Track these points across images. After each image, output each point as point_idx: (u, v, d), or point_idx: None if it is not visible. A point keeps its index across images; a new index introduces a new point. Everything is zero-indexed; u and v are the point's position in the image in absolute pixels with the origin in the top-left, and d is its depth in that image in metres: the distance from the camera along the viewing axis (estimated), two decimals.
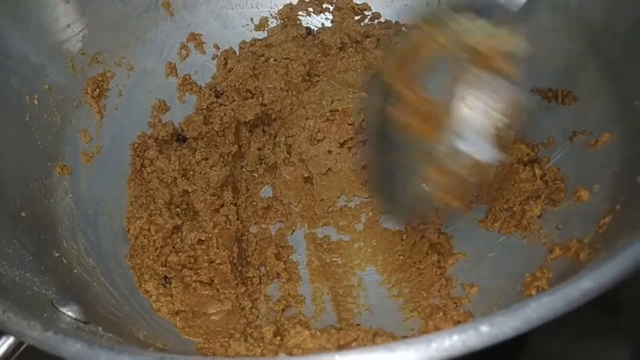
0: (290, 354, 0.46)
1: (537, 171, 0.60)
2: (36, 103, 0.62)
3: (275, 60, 0.72)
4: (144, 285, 0.57)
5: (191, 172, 0.65)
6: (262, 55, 0.73)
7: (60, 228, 0.58)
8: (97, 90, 0.69)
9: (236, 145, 0.69)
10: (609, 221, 0.49)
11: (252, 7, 0.77)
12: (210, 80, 0.74)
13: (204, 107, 0.71)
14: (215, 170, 0.64)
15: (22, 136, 0.60)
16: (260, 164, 0.71)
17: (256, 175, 0.70)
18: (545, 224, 0.56)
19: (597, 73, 0.60)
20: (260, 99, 0.70)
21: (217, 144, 0.69)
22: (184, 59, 0.75)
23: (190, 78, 0.74)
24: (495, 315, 0.32)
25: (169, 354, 0.33)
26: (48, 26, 0.65)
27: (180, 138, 0.71)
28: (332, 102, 0.69)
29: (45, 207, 0.59)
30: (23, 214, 0.55)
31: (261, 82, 0.70)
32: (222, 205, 0.63)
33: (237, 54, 0.75)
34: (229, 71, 0.73)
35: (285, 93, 0.70)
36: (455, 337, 0.31)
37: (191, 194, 0.63)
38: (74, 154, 0.65)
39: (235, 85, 0.71)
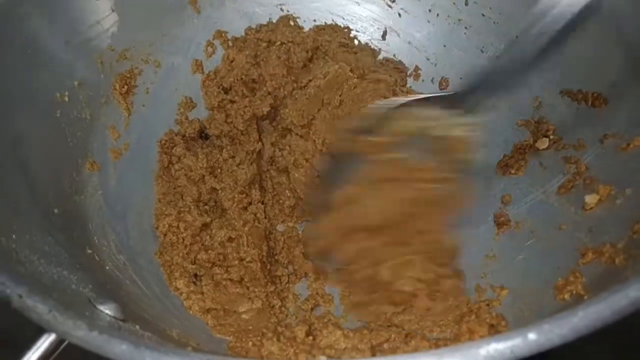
0: (323, 354, 0.46)
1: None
2: (66, 100, 0.62)
3: (281, 43, 0.72)
4: (174, 283, 0.57)
5: (218, 170, 0.66)
6: (269, 41, 0.73)
7: (91, 225, 0.58)
8: (125, 87, 0.69)
9: (260, 143, 0.69)
10: None
11: (278, 5, 0.77)
12: (212, 73, 0.74)
13: (215, 105, 0.71)
14: (242, 169, 0.65)
15: (53, 132, 0.60)
16: (272, 164, 0.71)
17: (274, 174, 0.70)
18: (577, 225, 0.56)
19: (627, 75, 0.59)
20: (265, 88, 0.70)
21: (242, 141, 0.69)
22: (210, 56, 0.75)
23: None
24: (543, 324, 0.32)
25: (214, 355, 0.33)
26: (78, 22, 0.65)
27: (203, 135, 0.71)
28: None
29: (76, 203, 0.59)
30: (56, 210, 0.55)
31: (263, 69, 0.70)
32: (250, 204, 0.63)
33: (244, 39, 0.75)
34: (231, 62, 0.73)
35: (286, 79, 0.70)
36: (503, 344, 0.31)
37: (219, 191, 0.63)
38: (102, 150, 0.65)
39: (241, 78, 0.71)
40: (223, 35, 0.75)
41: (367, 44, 0.77)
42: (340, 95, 0.70)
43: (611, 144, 0.58)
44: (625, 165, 0.56)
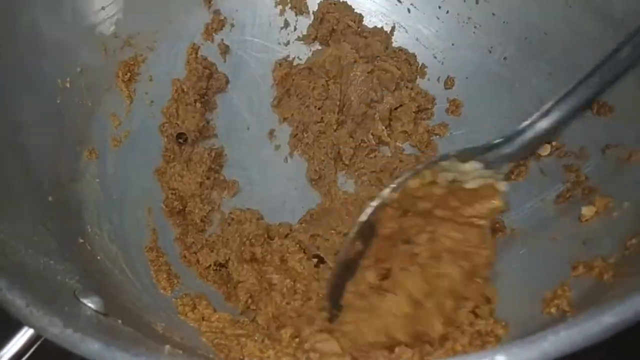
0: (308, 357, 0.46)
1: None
2: (68, 86, 0.62)
3: None
4: (162, 282, 0.58)
5: None
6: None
7: (86, 213, 0.59)
8: (128, 74, 0.69)
9: None
10: (636, 242, 0.48)
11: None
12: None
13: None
14: None
15: (52, 119, 0.60)
16: None
17: None
18: (571, 237, 0.55)
19: (636, 85, 0.58)
20: None
21: None
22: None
23: None
24: (511, 346, 0.32)
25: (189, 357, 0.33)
26: (82, 8, 0.65)
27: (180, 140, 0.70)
28: None
29: (73, 191, 0.59)
30: (50, 198, 0.55)
31: None
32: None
33: None
34: None
35: None
36: None
37: None
38: (102, 138, 0.65)
39: None
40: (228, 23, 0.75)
41: (382, 27, 0.75)
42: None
43: (613, 155, 0.57)
44: (625, 177, 0.55)
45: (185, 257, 0.61)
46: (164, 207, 0.65)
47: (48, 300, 0.39)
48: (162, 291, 0.57)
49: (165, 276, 0.58)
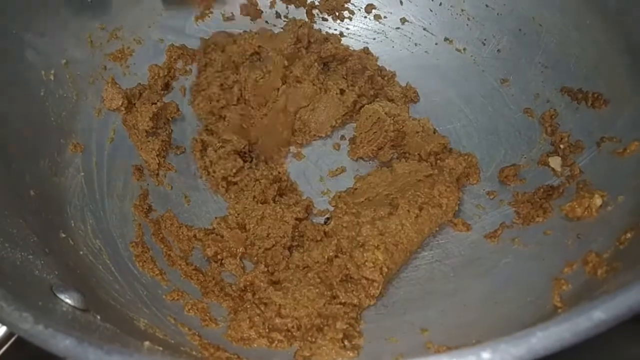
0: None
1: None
2: (52, 78, 0.61)
3: None
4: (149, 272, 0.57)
5: None
6: None
7: (69, 207, 0.58)
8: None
9: None
10: (630, 237, 0.47)
11: None
12: None
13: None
14: None
15: (36, 112, 0.59)
16: None
17: None
18: (565, 231, 0.54)
19: (631, 78, 0.57)
20: None
21: None
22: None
23: None
24: (498, 343, 0.30)
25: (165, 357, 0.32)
26: None
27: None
28: None
29: (55, 185, 0.58)
30: (32, 192, 0.54)
31: None
32: None
33: None
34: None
35: None
36: None
37: None
38: (87, 131, 0.64)
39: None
40: None
41: None
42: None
43: (608, 148, 0.56)
44: (619, 171, 0.54)
45: (169, 256, 0.59)
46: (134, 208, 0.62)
47: (21, 295, 0.37)
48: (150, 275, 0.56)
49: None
